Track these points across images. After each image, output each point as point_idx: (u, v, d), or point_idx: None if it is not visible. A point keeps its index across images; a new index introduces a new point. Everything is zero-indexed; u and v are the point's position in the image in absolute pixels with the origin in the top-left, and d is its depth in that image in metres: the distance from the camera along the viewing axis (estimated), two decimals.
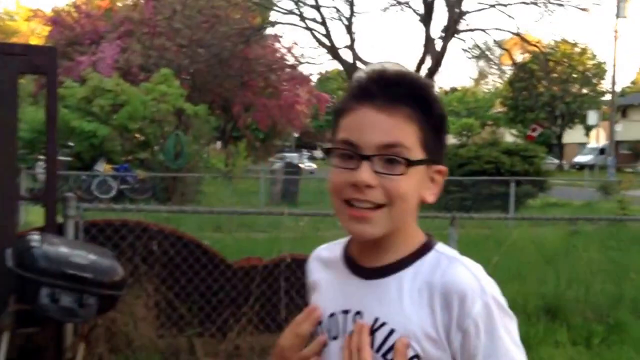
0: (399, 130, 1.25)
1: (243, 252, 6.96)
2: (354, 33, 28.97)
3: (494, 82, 68.80)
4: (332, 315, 1.37)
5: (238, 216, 11.69)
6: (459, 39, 30.70)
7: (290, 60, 31.76)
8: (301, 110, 32.78)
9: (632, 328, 5.96)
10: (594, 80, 50.21)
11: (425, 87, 1.30)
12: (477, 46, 35.23)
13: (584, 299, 6.60)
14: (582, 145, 53.54)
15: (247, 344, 5.01)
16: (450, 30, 28.24)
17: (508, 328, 1.30)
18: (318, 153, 66.21)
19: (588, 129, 45.91)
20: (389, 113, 1.25)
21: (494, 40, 32.58)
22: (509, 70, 47.10)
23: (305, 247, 7.94)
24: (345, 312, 1.34)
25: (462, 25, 29.11)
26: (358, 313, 1.33)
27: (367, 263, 1.35)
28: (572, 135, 54.83)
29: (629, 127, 51.58)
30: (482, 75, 66.26)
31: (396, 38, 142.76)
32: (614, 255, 9.09)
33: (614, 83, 37.06)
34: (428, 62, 28.73)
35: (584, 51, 50.10)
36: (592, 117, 39.57)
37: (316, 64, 75.81)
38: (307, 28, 28.56)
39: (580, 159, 50.13)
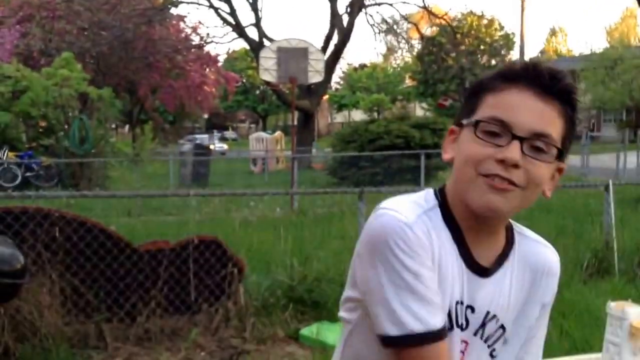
0: (552, 121, 1.29)
1: (153, 236, 6.81)
2: (259, 10, 28.72)
3: (403, 56, 69.83)
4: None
5: (147, 200, 11.44)
6: (366, 13, 30.95)
7: (196, 40, 31.25)
8: (209, 91, 32.35)
9: None
10: (503, 52, 51.54)
11: (574, 88, 1.34)
12: (385, 21, 35.59)
13: None
14: None
15: (157, 327, 4.91)
16: (357, 5, 28.42)
17: None
18: (229, 134, 65.59)
19: None
20: (545, 103, 1.29)
21: (401, 15, 32.96)
22: (417, 45, 47.83)
23: (217, 228, 7.86)
24: (459, 302, 1.35)
25: (368, 0, 29.37)
26: (470, 308, 1.35)
27: (480, 253, 1.36)
28: None
29: None
30: (391, 50, 66.98)
31: (302, 14, 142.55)
32: (526, 224, 9.38)
33: (522, 53, 38.20)
34: (335, 38, 28.88)
35: (491, 23, 51.25)
36: None
37: (222, 44, 74.75)
38: (211, 7, 28.09)
39: None
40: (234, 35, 28.85)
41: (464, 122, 1.33)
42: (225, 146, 42.97)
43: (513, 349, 1.42)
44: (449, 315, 1.32)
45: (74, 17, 26.42)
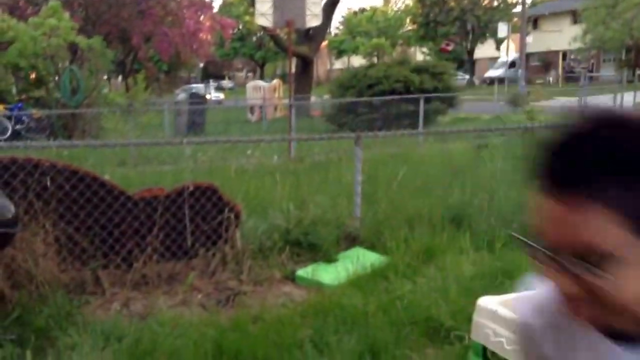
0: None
1: (148, 185, 6.79)
2: None
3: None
4: None
5: (142, 151, 11.41)
6: None
7: None
8: (205, 39, 31.88)
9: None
10: None
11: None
12: None
13: (488, 207, 6.81)
14: (494, 60, 54.17)
15: (153, 272, 4.94)
16: None
17: None
18: (226, 83, 65.03)
19: (499, 42, 46.26)
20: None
21: None
22: None
23: (213, 176, 7.85)
24: None
25: None
26: None
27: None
28: (484, 50, 55.27)
29: (539, 38, 51.73)
30: None
31: None
32: (520, 164, 9.34)
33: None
34: None
35: None
36: (502, 29, 39.64)
37: None
38: None
39: (491, 73, 50.70)
40: None
41: None
42: (221, 95, 42.61)
43: None
44: None
45: None
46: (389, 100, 18.68)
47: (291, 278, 5.25)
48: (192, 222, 5.25)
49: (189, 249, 5.21)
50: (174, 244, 5.21)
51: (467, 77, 53.03)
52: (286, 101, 23.02)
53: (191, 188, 5.30)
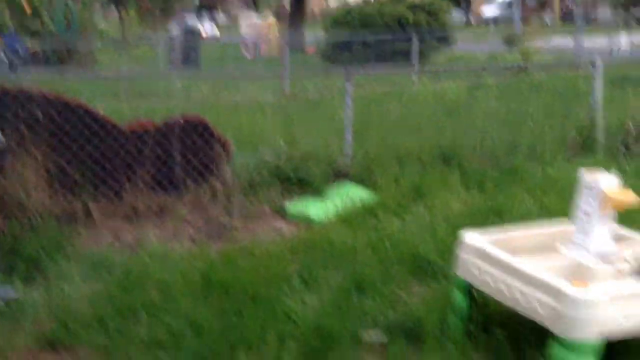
0: None
1: (141, 119, 6.74)
2: None
3: None
4: None
5: (136, 85, 11.29)
6: None
7: None
8: None
9: (526, 172, 6.17)
10: None
11: None
12: None
13: (480, 146, 6.80)
14: None
15: (144, 204, 4.96)
16: None
17: None
18: (220, 18, 63.82)
19: None
20: None
21: None
22: None
23: (205, 112, 7.80)
24: None
25: None
26: None
27: None
28: None
29: None
30: None
31: None
32: (513, 105, 9.32)
33: None
34: None
35: None
36: None
37: None
38: None
39: (488, 12, 49.86)
40: None
41: None
42: (216, 30, 41.91)
43: None
44: None
45: None
46: (383, 38, 18.49)
47: (281, 214, 5.28)
48: (183, 156, 5.25)
49: (179, 183, 5.22)
50: (165, 178, 5.22)
51: (464, 18, 52.18)
52: (280, 37, 22.76)
53: (181, 121, 5.28)
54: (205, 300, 3.60)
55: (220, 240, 4.69)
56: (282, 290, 3.71)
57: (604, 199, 2.86)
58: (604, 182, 2.87)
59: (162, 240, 4.61)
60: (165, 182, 5.22)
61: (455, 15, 40.94)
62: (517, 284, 2.80)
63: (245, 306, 3.50)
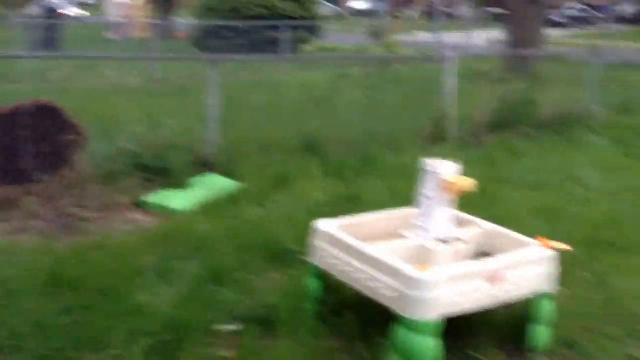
0: None
1: None
2: None
3: None
4: None
5: None
6: None
7: None
8: None
9: (382, 160, 6.40)
10: None
11: None
12: None
13: (342, 135, 6.94)
14: None
15: None
16: None
17: None
18: None
19: None
20: None
21: None
22: None
23: (65, 96, 7.44)
24: None
25: None
26: None
27: None
28: None
29: None
30: None
31: None
32: (375, 95, 9.57)
33: None
34: None
35: None
36: None
37: None
38: None
39: (356, 5, 50.76)
40: None
41: None
42: (83, 12, 40.13)
43: None
44: None
45: None
46: (254, 26, 18.46)
47: (140, 205, 5.13)
48: (32, 143, 4.97)
49: (27, 172, 4.93)
50: (10, 166, 4.91)
51: (336, 8, 52.98)
52: (150, 21, 22.13)
53: (30, 107, 4.99)
54: (52, 298, 3.41)
55: (72, 234, 4.47)
56: (135, 284, 3.60)
57: (443, 185, 3.00)
58: (443, 169, 3.00)
59: (7, 235, 4.35)
60: (12, 171, 4.91)
61: (330, 7, 41.56)
62: (364, 267, 2.87)
63: (94, 302, 3.36)
